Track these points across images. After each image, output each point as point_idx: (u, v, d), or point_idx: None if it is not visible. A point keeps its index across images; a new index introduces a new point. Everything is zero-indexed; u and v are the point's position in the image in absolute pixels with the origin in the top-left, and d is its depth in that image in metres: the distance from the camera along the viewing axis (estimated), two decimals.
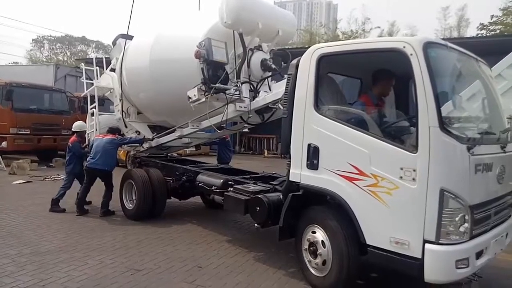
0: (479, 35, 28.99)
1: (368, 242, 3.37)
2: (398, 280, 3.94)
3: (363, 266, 3.67)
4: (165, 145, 7.45)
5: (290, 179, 4.04)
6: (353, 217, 3.44)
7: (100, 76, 8.08)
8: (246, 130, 8.19)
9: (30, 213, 6.57)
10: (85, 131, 7.86)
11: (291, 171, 4.03)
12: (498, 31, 28.90)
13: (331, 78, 4.25)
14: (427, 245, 3.01)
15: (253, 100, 5.44)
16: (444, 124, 3.02)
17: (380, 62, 3.85)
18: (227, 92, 5.24)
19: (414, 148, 3.09)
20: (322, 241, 3.73)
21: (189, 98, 5.42)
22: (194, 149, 12.77)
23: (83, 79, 8.32)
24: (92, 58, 8.63)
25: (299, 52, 4.90)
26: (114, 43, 8.37)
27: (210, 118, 5.72)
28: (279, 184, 5.18)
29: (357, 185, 3.41)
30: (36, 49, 47.71)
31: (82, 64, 8.42)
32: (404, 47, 3.16)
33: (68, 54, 47.65)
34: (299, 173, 3.92)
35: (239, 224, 6.53)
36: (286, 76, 5.26)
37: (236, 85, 5.36)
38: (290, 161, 4.07)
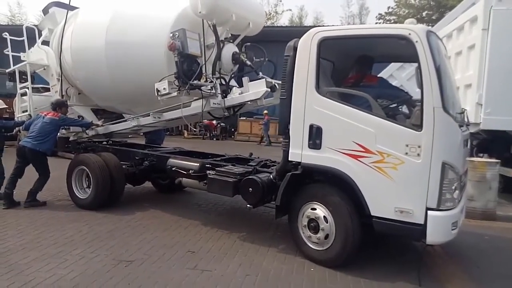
0: (376, 23, 32.22)
1: (373, 213, 3.66)
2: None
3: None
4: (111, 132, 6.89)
5: (290, 159, 4.13)
6: (358, 192, 3.69)
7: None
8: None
9: None
10: (3, 109, 6.81)
11: (290, 151, 4.12)
12: (392, 21, 32.37)
13: (325, 61, 4.40)
14: (429, 212, 3.41)
15: (224, 94, 5.22)
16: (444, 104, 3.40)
17: (381, 47, 4.11)
18: (202, 88, 4.98)
19: (419, 126, 3.42)
20: (324, 216, 3.94)
21: (158, 91, 5.04)
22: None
23: (8, 51, 7.16)
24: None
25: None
26: (45, 11, 7.36)
27: (169, 110, 5.53)
28: (257, 164, 5.29)
29: (362, 162, 3.66)
30: None
31: (7, 33, 7.20)
32: (409, 34, 3.44)
33: None
34: (300, 153, 4.04)
35: (203, 207, 6.44)
36: (261, 74, 5.27)
37: (212, 81, 5.12)
38: (287, 142, 4.16)
